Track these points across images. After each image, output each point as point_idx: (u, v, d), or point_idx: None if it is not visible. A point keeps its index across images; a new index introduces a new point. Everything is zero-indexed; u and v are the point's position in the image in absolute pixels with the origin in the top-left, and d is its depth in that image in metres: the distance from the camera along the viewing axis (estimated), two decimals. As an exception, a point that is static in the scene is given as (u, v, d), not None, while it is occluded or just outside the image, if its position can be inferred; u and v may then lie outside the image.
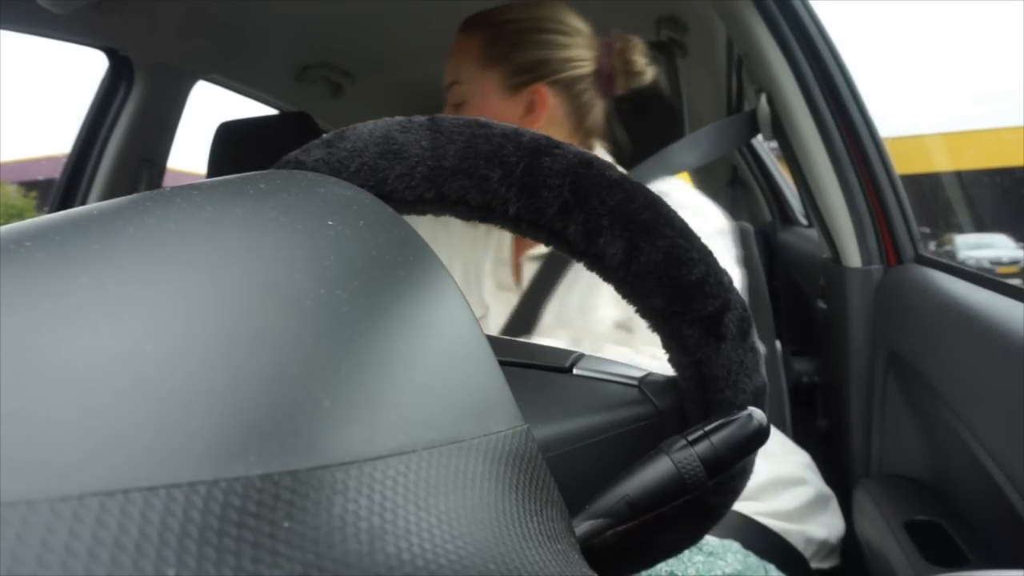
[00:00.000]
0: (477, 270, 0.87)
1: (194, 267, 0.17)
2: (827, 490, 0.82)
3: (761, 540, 0.71)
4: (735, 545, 0.66)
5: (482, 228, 0.87)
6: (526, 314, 0.80)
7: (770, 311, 1.07)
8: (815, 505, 0.79)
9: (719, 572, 0.62)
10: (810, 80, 0.91)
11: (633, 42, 0.85)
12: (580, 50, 0.82)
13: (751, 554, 0.67)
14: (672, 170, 0.92)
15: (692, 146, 0.96)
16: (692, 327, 0.30)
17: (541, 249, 0.81)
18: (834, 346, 0.99)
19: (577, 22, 0.83)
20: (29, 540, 0.10)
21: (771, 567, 0.67)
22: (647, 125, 0.95)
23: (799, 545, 0.74)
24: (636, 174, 0.84)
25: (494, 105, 0.80)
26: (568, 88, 0.82)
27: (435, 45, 0.94)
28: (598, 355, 0.35)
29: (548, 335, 0.78)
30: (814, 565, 0.76)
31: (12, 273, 0.15)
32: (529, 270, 0.83)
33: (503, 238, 0.86)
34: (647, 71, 0.86)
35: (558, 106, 0.82)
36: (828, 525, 0.79)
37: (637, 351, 0.72)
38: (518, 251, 0.85)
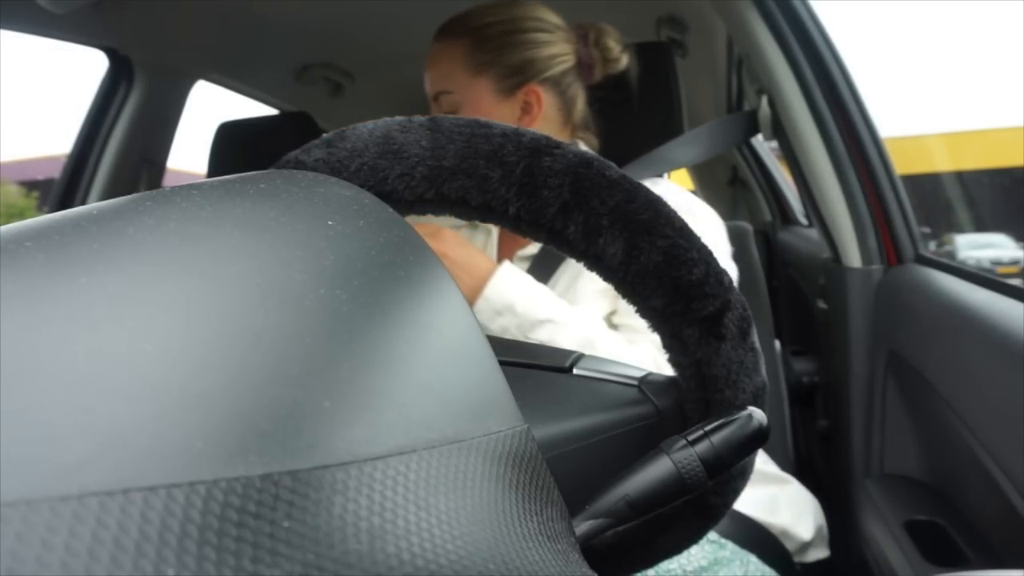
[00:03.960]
0: None
1: (194, 267, 0.17)
2: (808, 494, 0.81)
3: (739, 528, 0.69)
4: (711, 534, 0.65)
5: (469, 229, 0.87)
6: None
7: (770, 311, 1.07)
8: (796, 503, 0.78)
9: (693, 566, 0.60)
10: (810, 80, 0.91)
11: (606, 29, 0.86)
12: (562, 45, 0.83)
13: (727, 543, 0.65)
14: (667, 167, 0.93)
15: (687, 144, 0.96)
16: (692, 327, 0.30)
17: (530, 250, 0.81)
18: (834, 346, 0.99)
19: (554, 17, 0.84)
20: (29, 540, 0.10)
21: (751, 557, 0.65)
22: (646, 126, 0.95)
23: (779, 537, 0.73)
24: (629, 171, 0.84)
25: (488, 110, 0.80)
26: (557, 84, 0.82)
27: None
28: (597, 355, 0.35)
29: None
30: (797, 559, 0.75)
31: (12, 273, 0.15)
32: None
33: (490, 240, 0.86)
34: (622, 58, 0.87)
35: (550, 103, 0.82)
36: (809, 525, 0.77)
37: (632, 341, 0.71)
38: (506, 252, 0.85)
